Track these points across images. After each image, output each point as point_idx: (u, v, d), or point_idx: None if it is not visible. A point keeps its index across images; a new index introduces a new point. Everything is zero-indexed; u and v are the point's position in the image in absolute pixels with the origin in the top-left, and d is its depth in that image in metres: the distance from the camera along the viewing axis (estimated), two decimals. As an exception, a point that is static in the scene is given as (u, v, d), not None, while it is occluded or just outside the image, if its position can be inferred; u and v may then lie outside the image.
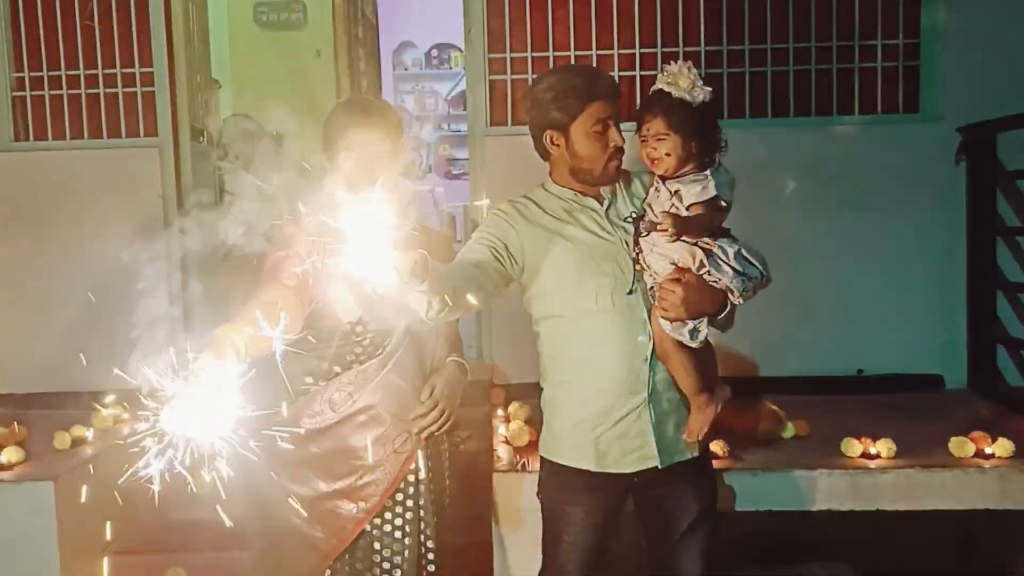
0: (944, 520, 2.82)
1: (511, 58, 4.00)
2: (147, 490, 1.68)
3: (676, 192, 2.09)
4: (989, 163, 3.78)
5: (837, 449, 2.93)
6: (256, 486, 2.21)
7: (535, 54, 3.98)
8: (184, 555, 3.20)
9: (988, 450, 2.87)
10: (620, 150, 2.16)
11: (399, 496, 2.28)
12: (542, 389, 2.30)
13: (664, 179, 2.13)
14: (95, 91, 4.10)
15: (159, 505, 3.31)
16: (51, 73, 4.10)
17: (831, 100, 3.97)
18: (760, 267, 2.12)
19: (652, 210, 2.15)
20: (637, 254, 2.13)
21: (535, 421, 2.37)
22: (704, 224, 2.09)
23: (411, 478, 2.29)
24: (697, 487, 2.24)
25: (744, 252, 2.11)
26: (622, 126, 2.18)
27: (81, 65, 4.09)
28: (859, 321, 3.89)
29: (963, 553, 3.08)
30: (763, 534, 3.03)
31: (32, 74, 4.11)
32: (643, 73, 3.94)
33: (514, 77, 3.99)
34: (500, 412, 3.43)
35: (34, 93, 4.11)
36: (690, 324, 2.08)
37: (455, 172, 9.28)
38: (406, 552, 2.27)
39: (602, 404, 2.16)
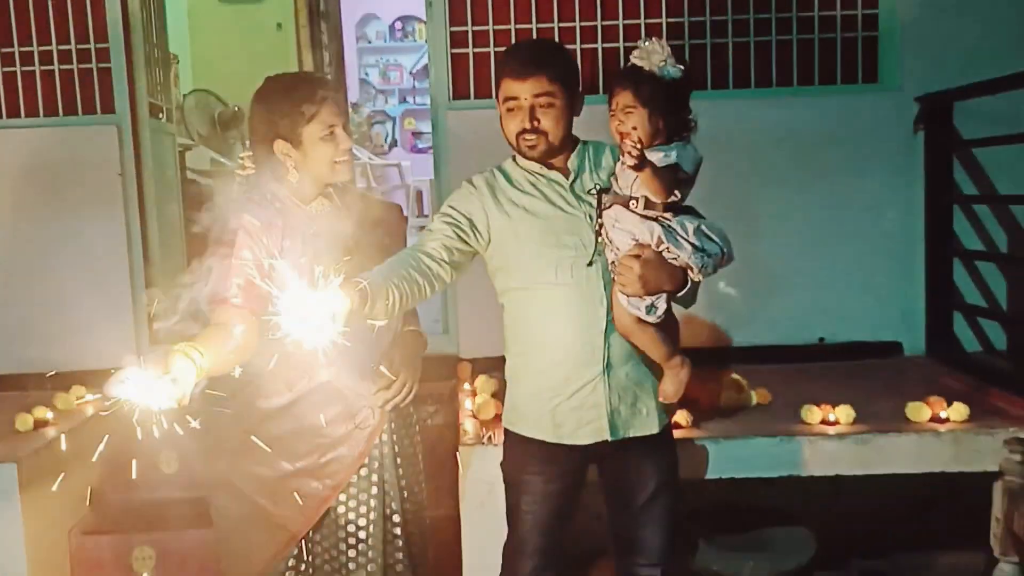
0: (902, 484, 2.88)
1: (473, 31, 3.97)
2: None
3: None
4: (946, 132, 3.82)
5: (798, 416, 2.97)
6: (220, 468, 2.21)
7: (497, 27, 3.95)
8: (151, 534, 3.20)
9: (944, 414, 2.92)
10: (528, 132, 2.12)
11: (363, 471, 2.26)
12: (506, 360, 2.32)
13: None
14: (50, 68, 4.00)
15: (128, 482, 3.29)
16: (4, 50, 4.00)
17: (791, 71, 3.99)
18: (721, 244, 2.12)
19: (618, 183, 2.15)
20: (599, 227, 2.14)
21: (502, 395, 2.39)
22: (666, 179, 2.06)
23: (376, 452, 2.27)
24: (658, 460, 2.26)
25: (705, 228, 2.11)
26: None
27: (35, 41, 3.99)
28: (820, 290, 3.93)
29: (920, 516, 3.15)
30: (725, 501, 3.09)
31: (-16, 51, 4.01)
32: (604, 46, 3.94)
33: (476, 50, 3.96)
34: (467, 386, 3.44)
35: (-13, 70, 4.03)
36: (647, 300, 2.08)
37: (421, 146, 9.23)
38: (371, 527, 2.25)
39: (559, 375, 2.18)
